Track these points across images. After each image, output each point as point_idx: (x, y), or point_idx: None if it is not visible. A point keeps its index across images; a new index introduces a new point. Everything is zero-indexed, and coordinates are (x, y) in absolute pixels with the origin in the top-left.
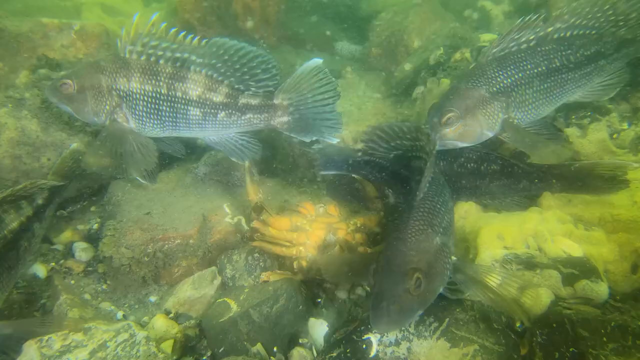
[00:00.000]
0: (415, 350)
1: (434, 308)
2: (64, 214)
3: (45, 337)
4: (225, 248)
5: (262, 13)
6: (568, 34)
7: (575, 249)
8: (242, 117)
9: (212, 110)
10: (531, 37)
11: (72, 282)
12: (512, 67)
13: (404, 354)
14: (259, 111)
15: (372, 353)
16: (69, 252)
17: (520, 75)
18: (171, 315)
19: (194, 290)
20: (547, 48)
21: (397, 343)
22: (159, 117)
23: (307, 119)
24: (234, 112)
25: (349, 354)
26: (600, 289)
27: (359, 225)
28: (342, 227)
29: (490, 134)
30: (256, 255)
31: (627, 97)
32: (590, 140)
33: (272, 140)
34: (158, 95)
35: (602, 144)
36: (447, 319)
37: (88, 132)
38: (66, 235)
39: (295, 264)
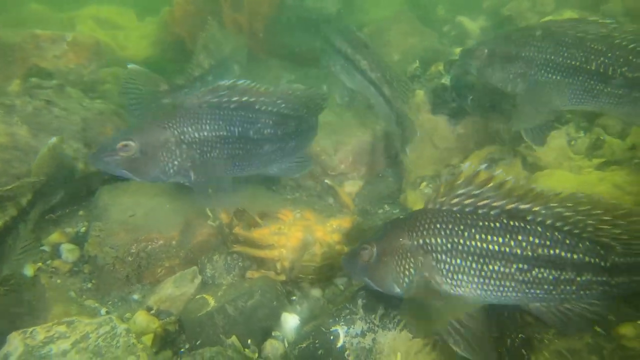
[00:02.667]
0: (379, 340)
1: (397, 302)
2: (53, 218)
3: (30, 329)
4: (207, 249)
5: (250, 27)
6: None
7: None
8: None
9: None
10: None
11: (59, 281)
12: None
13: (369, 344)
14: None
15: (339, 344)
16: (56, 253)
17: None
18: (153, 311)
19: (175, 289)
20: None
21: (363, 334)
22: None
23: None
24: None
25: (317, 345)
26: None
27: (334, 226)
28: (319, 229)
29: None
30: (235, 255)
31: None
32: (551, 147)
33: None
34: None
35: (561, 150)
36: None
37: (77, 139)
38: (54, 237)
39: (278, 265)
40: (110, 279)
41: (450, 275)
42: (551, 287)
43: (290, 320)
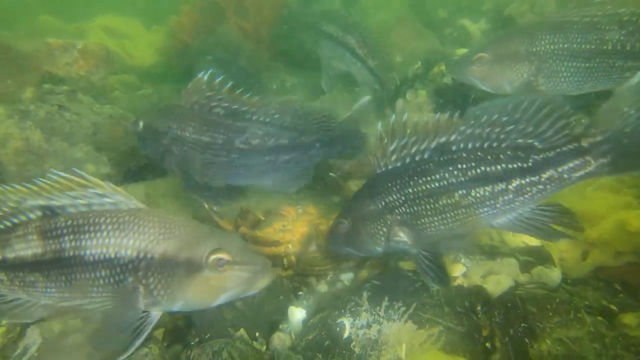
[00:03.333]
0: (385, 332)
1: (402, 294)
2: None
3: (47, 323)
4: None
5: (255, 33)
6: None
7: (533, 240)
8: None
9: None
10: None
11: None
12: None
13: (374, 335)
14: None
15: (345, 335)
16: None
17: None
18: None
19: None
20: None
21: (369, 326)
22: None
23: None
24: None
25: (324, 336)
26: (554, 274)
27: None
28: (322, 222)
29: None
30: None
31: (585, 106)
32: None
33: None
34: None
35: None
36: (414, 304)
37: (88, 142)
38: None
39: (285, 261)
40: None
41: (414, 222)
42: (493, 202)
43: (297, 314)
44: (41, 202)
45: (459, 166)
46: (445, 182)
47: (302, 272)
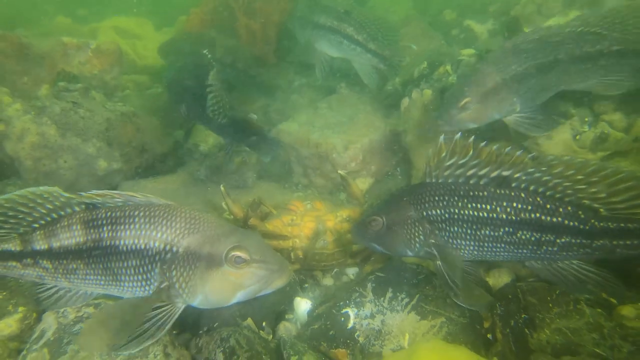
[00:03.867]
0: (388, 322)
1: (405, 286)
2: None
3: (62, 310)
4: None
5: (263, 34)
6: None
7: None
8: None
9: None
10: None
11: None
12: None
13: (378, 326)
14: None
15: (350, 325)
16: None
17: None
18: None
19: None
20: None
21: (372, 316)
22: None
23: None
24: None
25: (328, 325)
26: None
27: (345, 216)
28: (330, 218)
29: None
30: None
31: (589, 104)
32: (556, 142)
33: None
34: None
35: (566, 144)
36: (417, 295)
37: (101, 138)
38: None
39: (292, 255)
40: None
41: (450, 240)
42: (535, 247)
43: (303, 305)
44: (86, 200)
45: (514, 204)
46: (494, 215)
47: (309, 267)
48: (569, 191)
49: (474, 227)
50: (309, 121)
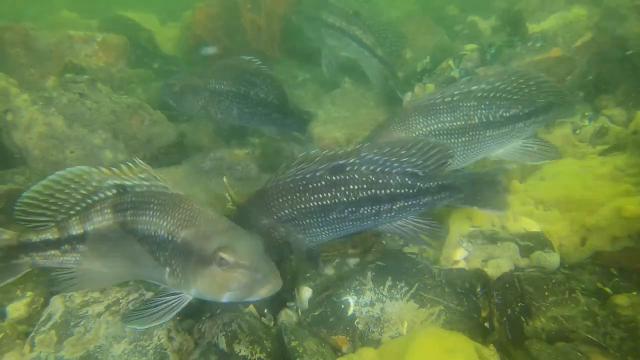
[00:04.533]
0: (387, 310)
1: (405, 275)
2: None
3: (69, 294)
4: None
5: (267, 29)
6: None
7: (533, 226)
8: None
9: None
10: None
11: None
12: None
13: (377, 313)
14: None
15: (350, 312)
16: None
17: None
18: None
19: None
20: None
21: (372, 304)
22: None
23: None
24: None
25: (329, 312)
26: (552, 259)
27: None
28: None
29: None
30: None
31: (591, 100)
32: (556, 136)
33: (275, 141)
34: None
35: (566, 138)
36: (416, 284)
37: (107, 130)
38: None
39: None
40: None
41: (306, 231)
42: (377, 217)
43: (305, 293)
44: (117, 181)
45: (351, 186)
46: (336, 200)
47: None
48: (396, 164)
49: (322, 214)
50: (313, 115)
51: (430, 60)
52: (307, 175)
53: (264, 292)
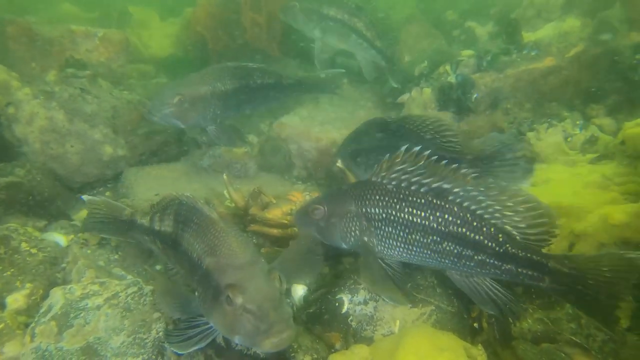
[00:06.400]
0: (380, 309)
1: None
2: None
3: (68, 286)
4: None
5: (268, 28)
6: None
7: None
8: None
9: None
10: None
11: (89, 251)
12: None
13: (370, 312)
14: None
15: (344, 310)
16: None
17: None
18: None
19: None
20: None
21: (365, 302)
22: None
23: None
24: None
25: (323, 310)
26: None
27: None
28: None
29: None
30: (250, 233)
31: (582, 109)
32: (548, 143)
33: (273, 140)
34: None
35: (557, 146)
36: (408, 284)
37: (107, 125)
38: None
39: (290, 244)
40: (135, 251)
41: (383, 239)
42: (455, 259)
43: (299, 290)
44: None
45: (446, 216)
46: (426, 222)
47: None
48: (497, 214)
49: (407, 230)
50: (311, 115)
51: (427, 64)
52: (412, 188)
53: (266, 346)
